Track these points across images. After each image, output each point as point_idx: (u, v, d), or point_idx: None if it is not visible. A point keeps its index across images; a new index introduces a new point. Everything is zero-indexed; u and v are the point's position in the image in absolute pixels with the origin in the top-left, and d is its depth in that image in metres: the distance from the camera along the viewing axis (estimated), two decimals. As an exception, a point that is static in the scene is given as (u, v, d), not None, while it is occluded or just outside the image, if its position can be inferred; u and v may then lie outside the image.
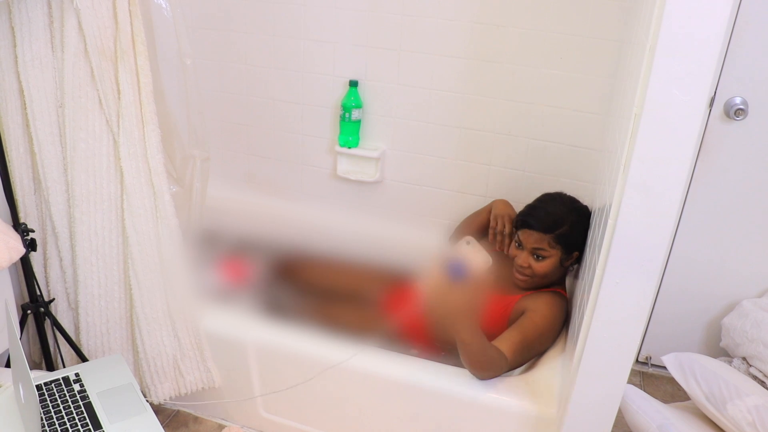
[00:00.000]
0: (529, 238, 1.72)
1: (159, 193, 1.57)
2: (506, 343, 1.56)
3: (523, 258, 1.74)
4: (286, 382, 1.74)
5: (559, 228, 1.69)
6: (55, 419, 1.27)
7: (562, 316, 1.71)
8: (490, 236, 1.92)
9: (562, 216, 1.71)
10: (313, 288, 2.05)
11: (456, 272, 1.31)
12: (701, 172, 1.97)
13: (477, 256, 1.35)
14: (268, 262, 2.14)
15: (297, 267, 2.14)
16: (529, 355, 1.63)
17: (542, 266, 1.71)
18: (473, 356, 1.49)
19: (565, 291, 1.81)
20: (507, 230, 1.89)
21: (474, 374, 1.55)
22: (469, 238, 1.39)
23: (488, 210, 1.97)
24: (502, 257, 1.89)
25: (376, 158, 2.20)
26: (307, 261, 2.17)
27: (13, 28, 1.42)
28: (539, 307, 1.67)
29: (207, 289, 1.83)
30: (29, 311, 1.59)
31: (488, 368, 1.52)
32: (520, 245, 1.75)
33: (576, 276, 1.81)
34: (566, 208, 1.73)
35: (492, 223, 1.91)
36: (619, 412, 1.39)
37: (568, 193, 1.82)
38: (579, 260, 1.75)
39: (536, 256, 1.71)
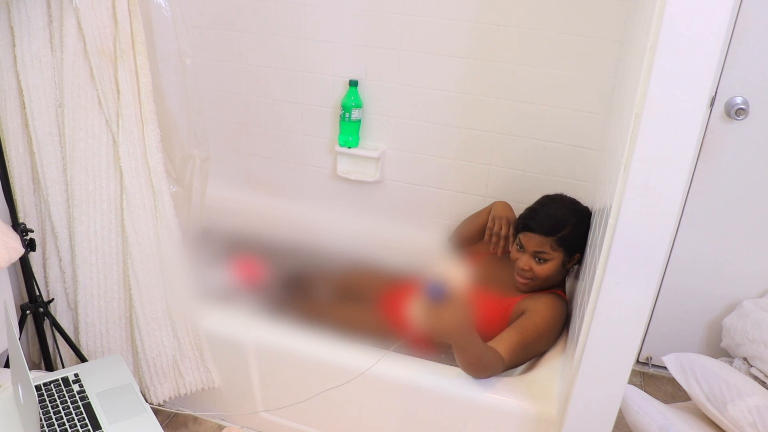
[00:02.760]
0: (531, 241, 1.71)
1: (158, 192, 1.57)
2: (504, 343, 1.56)
3: (524, 261, 1.73)
4: (286, 382, 1.74)
5: (561, 231, 1.69)
6: (54, 420, 1.26)
7: (561, 317, 1.70)
8: (486, 237, 1.91)
9: (564, 218, 1.70)
10: (313, 288, 2.05)
11: (436, 293, 1.32)
12: (702, 172, 1.97)
13: (453, 271, 1.35)
14: (267, 262, 2.14)
15: (297, 267, 2.14)
16: (526, 356, 1.63)
17: (544, 269, 1.71)
18: (469, 362, 1.49)
19: (565, 293, 1.81)
20: (503, 232, 1.88)
21: (469, 374, 1.55)
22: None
23: (488, 211, 1.96)
24: (503, 259, 1.89)
25: (376, 158, 2.20)
26: (307, 261, 2.17)
27: (12, 28, 1.41)
28: (539, 308, 1.67)
29: (213, 289, 1.83)
30: (28, 311, 1.59)
31: (484, 371, 1.52)
32: (521, 248, 1.74)
33: (576, 276, 1.81)
34: (567, 210, 1.73)
35: (489, 224, 1.90)
36: (620, 412, 1.39)
37: (568, 194, 1.82)
38: (580, 261, 1.75)
39: (538, 259, 1.71)
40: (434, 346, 1.80)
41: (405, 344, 1.80)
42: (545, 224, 1.69)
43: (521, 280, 1.75)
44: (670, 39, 1.03)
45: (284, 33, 2.17)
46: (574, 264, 1.75)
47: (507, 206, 1.94)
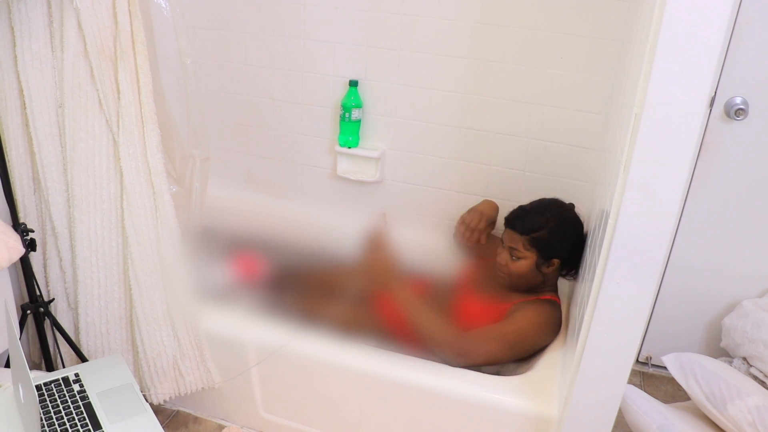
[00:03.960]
0: (509, 237, 1.76)
1: (159, 193, 1.57)
2: (478, 330, 1.66)
3: (502, 256, 1.78)
4: (286, 383, 1.74)
5: (536, 232, 1.71)
6: (54, 419, 1.26)
7: (549, 321, 1.72)
8: (459, 224, 1.94)
9: (542, 221, 1.73)
10: (313, 288, 2.05)
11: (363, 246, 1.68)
12: (701, 172, 1.97)
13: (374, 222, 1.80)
14: (268, 261, 2.14)
15: (297, 267, 2.14)
16: (502, 349, 1.65)
17: (517, 266, 1.74)
18: (424, 335, 1.65)
19: (558, 298, 1.81)
20: (473, 224, 1.94)
21: (438, 353, 1.65)
22: (382, 213, 1.83)
23: None
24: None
25: (376, 158, 2.20)
26: (306, 261, 2.17)
27: (12, 28, 1.42)
28: (525, 310, 1.70)
29: (214, 288, 1.84)
30: (29, 311, 1.59)
31: (439, 346, 1.64)
32: (503, 243, 1.79)
33: (575, 279, 1.81)
34: (551, 215, 1.75)
35: (464, 215, 1.96)
36: (619, 412, 1.39)
37: (567, 198, 1.83)
38: (565, 269, 1.77)
39: (512, 255, 1.75)
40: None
41: (399, 342, 1.80)
42: (522, 223, 1.74)
43: (499, 274, 1.81)
44: (670, 39, 1.03)
45: (284, 33, 2.17)
46: (555, 270, 1.76)
47: (491, 204, 1.99)
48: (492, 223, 1.99)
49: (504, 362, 1.72)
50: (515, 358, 1.71)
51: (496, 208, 2.00)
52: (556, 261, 1.74)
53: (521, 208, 1.80)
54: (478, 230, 1.95)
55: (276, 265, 2.12)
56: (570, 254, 1.75)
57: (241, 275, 2.01)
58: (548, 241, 1.71)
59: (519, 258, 1.74)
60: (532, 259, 1.73)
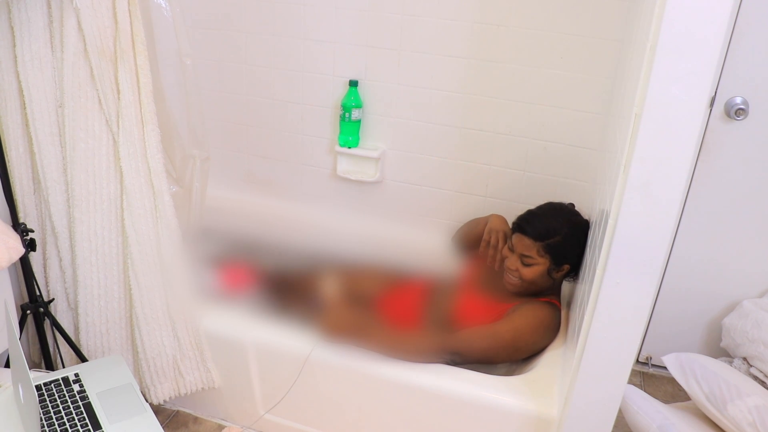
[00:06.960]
0: (520, 243, 1.73)
1: (159, 193, 1.57)
2: (466, 330, 1.66)
3: (512, 261, 1.75)
4: (286, 383, 1.74)
5: (551, 238, 1.70)
6: (54, 419, 1.26)
7: (547, 324, 1.71)
8: (482, 248, 1.92)
9: (556, 227, 1.71)
10: (312, 288, 2.05)
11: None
12: (702, 172, 1.97)
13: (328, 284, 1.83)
14: (267, 262, 2.13)
15: (296, 267, 2.14)
16: (498, 348, 1.65)
17: (529, 272, 1.72)
18: (403, 357, 1.64)
19: (559, 301, 1.81)
20: (499, 245, 1.89)
21: (435, 361, 1.65)
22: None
23: (485, 222, 1.97)
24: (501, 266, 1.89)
25: (376, 158, 2.20)
26: (306, 261, 2.16)
27: (12, 28, 1.42)
28: (523, 312, 1.69)
29: (207, 290, 1.83)
30: (29, 311, 1.59)
31: (421, 356, 1.63)
32: (512, 248, 1.76)
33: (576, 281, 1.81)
34: (563, 220, 1.73)
35: (485, 236, 1.92)
36: (620, 412, 1.39)
37: (570, 200, 1.82)
38: (572, 273, 1.76)
39: (524, 261, 1.72)
40: None
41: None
42: (536, 229, 1.71)
43: (509, 280, 1.77)
44: (670, 39, 1.03)
45: (285, 33, 2.17)
46: (564, 275, 1.75)
47: (503, 220, 1.95)
48: (507, 237, 1.93)
49: (500, 362, 1.71)
50: (512, 358, 1.71)
51: (506, 221, 1.96)
52: (566, 266, 1.73)
53: (531, 213, 1.77)
54: (500, 249, 1.90)
55: (275, 266, 2.12)
56: (580, 259, 1.73)
57: (227, 286, 1.99)
58: (562, 247, 1.70)
59: (531, 264, 1.72)
60: (545, 265, 1.71)
